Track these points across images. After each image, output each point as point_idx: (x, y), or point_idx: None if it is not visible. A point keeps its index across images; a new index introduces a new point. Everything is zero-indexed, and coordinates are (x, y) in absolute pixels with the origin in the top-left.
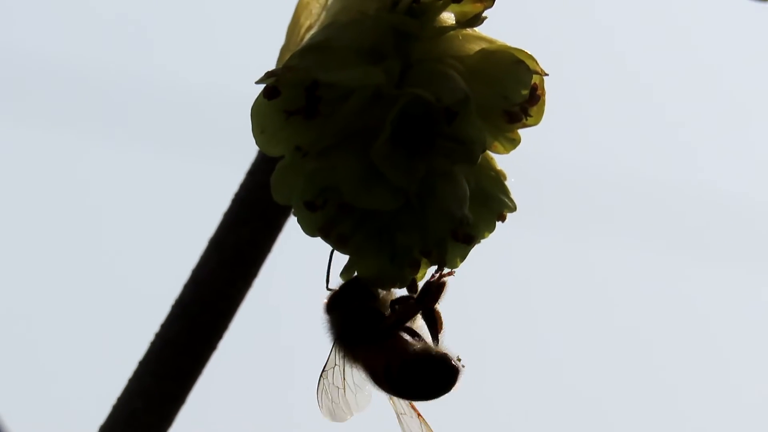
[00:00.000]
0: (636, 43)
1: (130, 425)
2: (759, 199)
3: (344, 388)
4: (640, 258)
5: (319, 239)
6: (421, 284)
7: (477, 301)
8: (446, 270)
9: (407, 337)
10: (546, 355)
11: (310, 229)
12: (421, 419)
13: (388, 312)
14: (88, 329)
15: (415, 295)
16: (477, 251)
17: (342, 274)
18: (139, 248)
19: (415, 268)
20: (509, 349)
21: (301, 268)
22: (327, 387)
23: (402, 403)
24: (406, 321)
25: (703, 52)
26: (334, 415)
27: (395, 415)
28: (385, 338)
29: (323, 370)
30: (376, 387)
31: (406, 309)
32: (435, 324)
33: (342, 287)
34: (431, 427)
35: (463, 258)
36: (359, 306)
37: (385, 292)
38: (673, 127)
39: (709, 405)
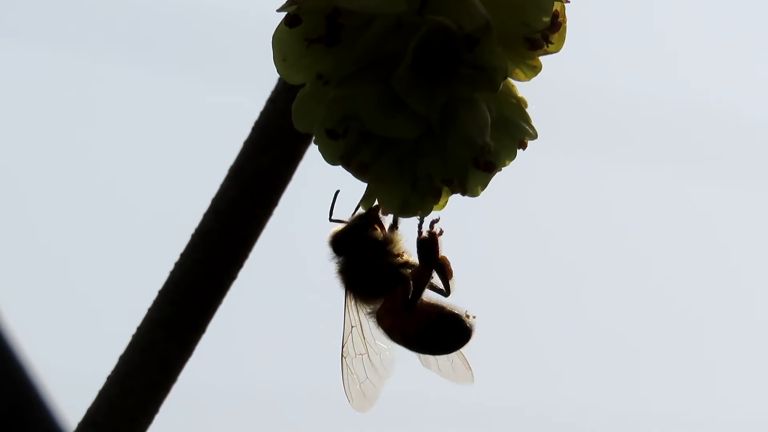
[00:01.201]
0: None
1: (149, 355)
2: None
3: (367, 352)
4: (659, 179)
5: (339, 167)
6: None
7: (495, 226)
8: (430, 220)
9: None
10: (561, 277)
11: (331, 157)
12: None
13: (397, 259)
14: (109, 259)
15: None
16: (498, 178)
17: (362, 202)
18: (159, 177)
19: (437, 196)
20: (526, 271)
21: (322, 196)
22: (351, 366)
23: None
24: (423, 290)
25: None
26: (365, 399)
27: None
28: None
29: (342, 348)
30: (391, 340)
31: (419, 279)
32: (444, 274)
33: (351, 224)
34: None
35: (484, 186)
36: (369, 255)
37: (395, 238)
38: (686, 50)
39: (717, 323)
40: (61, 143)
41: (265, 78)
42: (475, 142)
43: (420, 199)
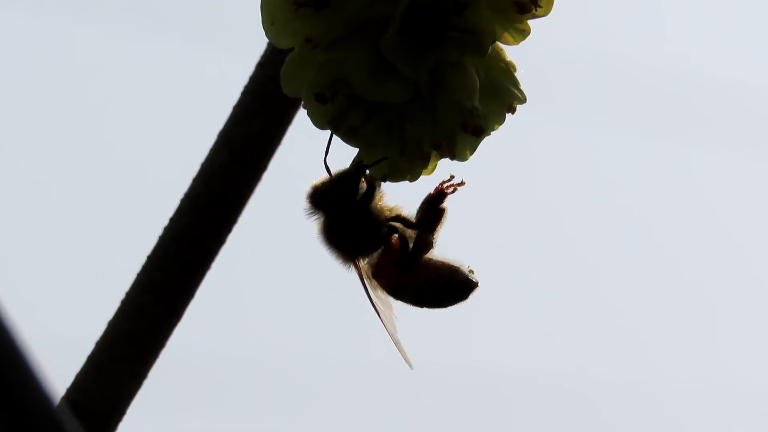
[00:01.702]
0: None
1: (138, 319)
2: (759, 84)
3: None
4: (648, 145)
5: (328, 131)
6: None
7: (484, 191)
8: (452, 183)
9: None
10: (552, 244)
11: (320, 122)
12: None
13: (384, 214)
14: (97, 223)
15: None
16: (486, 143)
17: (351, 166)
18: (147, 142)
19: (425, 160)
20: (516, 237)
21: (311, 160)
22: (387, 324)
23: (381, 302)
24: (424, 254)
25: None
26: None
27: (375, 311)
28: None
29: (377, 314)
30: (370, 288)
31: (421, 243)
32: (437, 222)
33: (337, 177)
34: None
35: (473, 150)
36: (350, 209)
37: (379, 198)
38: (676, 16)
39: (717, 290)
40: (46, 108)
41: (254, 42)
42: (464, 105)
43: (409, 163)
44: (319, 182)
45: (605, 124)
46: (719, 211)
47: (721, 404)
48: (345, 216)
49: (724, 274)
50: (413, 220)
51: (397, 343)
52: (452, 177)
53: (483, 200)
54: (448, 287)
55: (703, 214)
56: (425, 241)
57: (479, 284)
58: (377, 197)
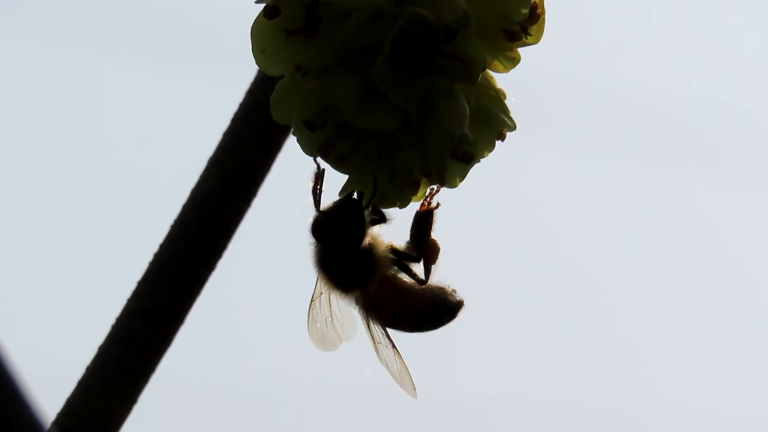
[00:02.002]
0: None
1: (128, 345)
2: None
3: (331, 317)
4: (642, 172)
5: (319, 159)
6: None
7: (476, 219)
8: (434, 196)
9: (404, 277)
10: (542, 269)
11: (310, 149)
12: (395, 350)
13: (380, 251)
14: (88, 249)
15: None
16: (476, 170)
17: (341, 193)
18: (137, 168)
19: (415, 188)
20: (508, 266)
21: (301, 187)
22: (315, 316)
23: (379, 333)
24: (436, 261)
25: None
26: (325, 344)
27: (372, 343)
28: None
29: (311, 300)
30: (369, 321)
31: (431, 254)
32: (429, 258)
33: (334, 208)
34: (402, 358)
35: (462, 177)
36: (350, 246)
37: (375, 234)
38: (673, 41)
39: (716, 316)
40: (31, 133)
41: (244, 70)
42: (454, 133)
43: (398, 190)
44: (322, 214)
45: (597, 149)
46: (718, 237)
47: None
48: (348, 250)
49: (722, 300)
50: (408, 251)
51: (394, 374)
52: (432, 191)
53: (473, 227)
54: (445, 307)
55: (700, 240)
56: (434, 249)
57: (462, 306)
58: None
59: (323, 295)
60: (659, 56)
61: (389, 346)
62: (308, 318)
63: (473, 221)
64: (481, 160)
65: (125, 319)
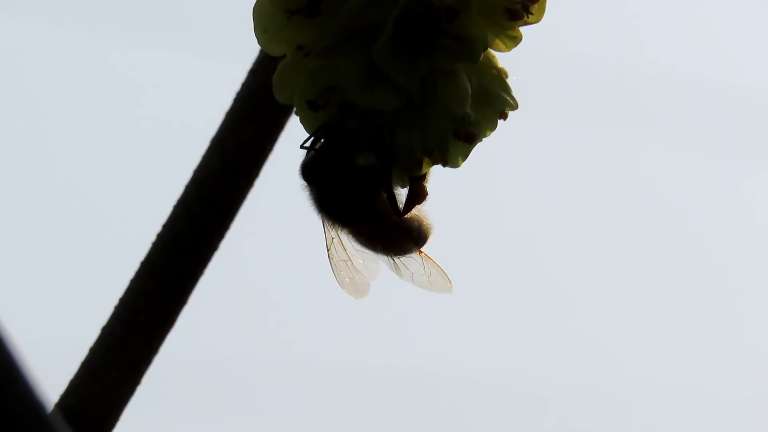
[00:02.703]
0: None
1: (131, 325)
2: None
3: (350, 258)
4: (636, 146)
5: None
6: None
7: (477, 198)
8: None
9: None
10: (546, 247)
11: (312, 128)
12: (422, 254)
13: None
14: (90, 230)
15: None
16: (478, 149)
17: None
18: (139, 148)
19: (418, 167)
20: (509, 241)
21: None
22: (338, 265)
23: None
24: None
25: None
26: (358, 290)
27: (391, 264)
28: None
29: (327, 250)
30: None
31: (415, 192)
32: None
33: (322, 147)
34: (431, 258)
35: (465, 157)
36: (346, 179)
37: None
38: (660, 17)
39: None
40: (36, 111)
41: (246, 49)
42: (456, 112)
43: (401, 170)
44: (311, 156)
45: (598, 127)
46: (708, 217)
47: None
48: (340, 190)
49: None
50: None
51: (422, 281)
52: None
53: (475, 205)
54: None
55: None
56: (419, 192)
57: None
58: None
59: (335, 240)
60: (656, 30)
61: (414, 255)
62: (332, 268)
63: (463, 194)
64: (483, 139)
65: (128, 300)
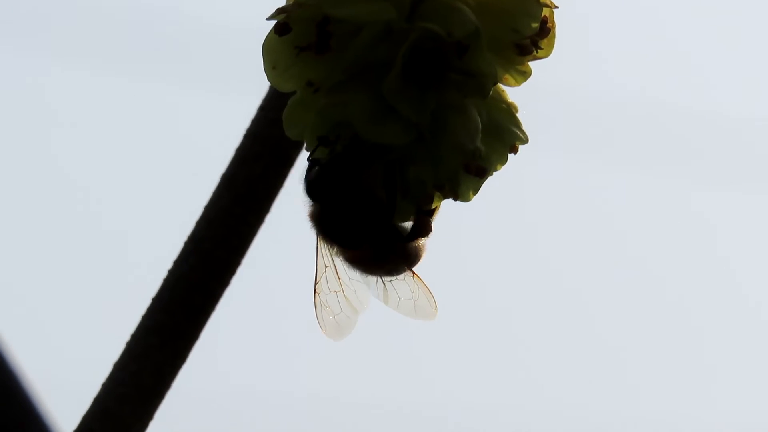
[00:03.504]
0: None
1: (143, 361)
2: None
3: (342, 289)
4: (648, 182)
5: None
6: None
7: (487, 228)
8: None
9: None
10: (553, 279)
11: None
12: (413, 275)
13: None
14: (102, 266)
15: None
16: (489, 183)
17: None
18: (151, 185)
19: (429, 202)
20: (517, 273)
21: None
22: (324, 300)
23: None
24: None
25: None
26: (340, 329)
27: (380, 287)
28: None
29: (315, 285)
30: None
31: (420, 226)
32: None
33: (330, 162)
34: (420, 278)
35: (476, 191)
36: (357, 195)
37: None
38: (678, 52)
39: (707, 324)
40: (53, 150)
41: (256, 86)
42: (466, 147)
43: (412, 204)
44: (317, 173)
45: (607, 161)
46: (715, 248)
47: None
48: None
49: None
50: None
51: (407, 308)
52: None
53: (483, 237)
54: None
55: (700, 252)
56: (425, 226)
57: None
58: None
59: (328, 269)
60: (661, 63)
61: (405, 276)
62: (316, 307)
63: (472, 225)
64: (494, 173)
65: (140, 336)
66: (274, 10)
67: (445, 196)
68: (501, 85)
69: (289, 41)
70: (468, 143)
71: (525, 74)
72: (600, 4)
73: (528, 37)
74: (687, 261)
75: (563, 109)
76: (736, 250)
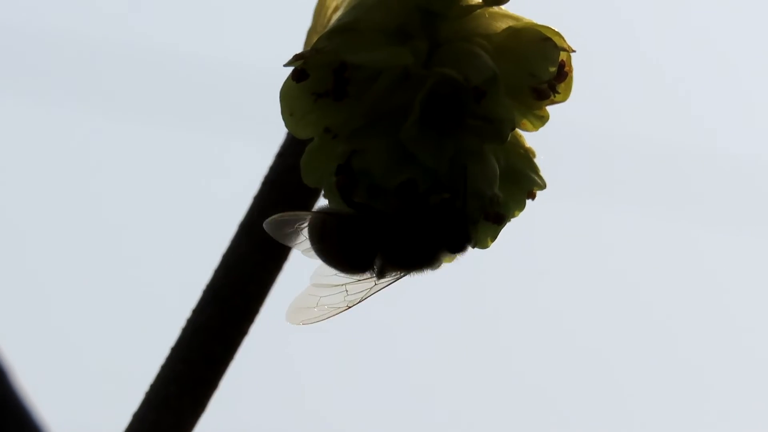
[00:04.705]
0: (652, 21)
1: (162, 410)
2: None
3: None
4: (668, 226)
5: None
6: None
7: (503, 272)
8: None
9: None
10: (564, 323)
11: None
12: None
13: None
14: (120, 316)
15: None
16: (507, 230)
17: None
18: (169, 233)
19: None
20: (531, 316)
21: None
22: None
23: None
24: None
25: (716, 24)
26: (300, 314)
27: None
28: None
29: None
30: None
31: None
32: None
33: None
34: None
35: (494, 238)
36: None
37: None
38: (689, 95)
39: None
40: (72, 199)
41: (274, 133)
42: (484, 193)
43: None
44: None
45: (625, 204)
46: (727, 294)
47: None
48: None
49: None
50: None
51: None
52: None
53: (498, 280)
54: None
55: (712, 299)
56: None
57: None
58: None
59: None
60: (673, 107)
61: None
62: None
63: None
64: (512, 219)
65: (159, 385)
66: (291, 56)
67: None
68: (519, 130)
69: (307, 88)
70: (486, 189)
71: (542, 119)
72: (611, 46)
73: (545, 81)
74: (705, 306)
75: (571, 150)
76: (745, 295)
